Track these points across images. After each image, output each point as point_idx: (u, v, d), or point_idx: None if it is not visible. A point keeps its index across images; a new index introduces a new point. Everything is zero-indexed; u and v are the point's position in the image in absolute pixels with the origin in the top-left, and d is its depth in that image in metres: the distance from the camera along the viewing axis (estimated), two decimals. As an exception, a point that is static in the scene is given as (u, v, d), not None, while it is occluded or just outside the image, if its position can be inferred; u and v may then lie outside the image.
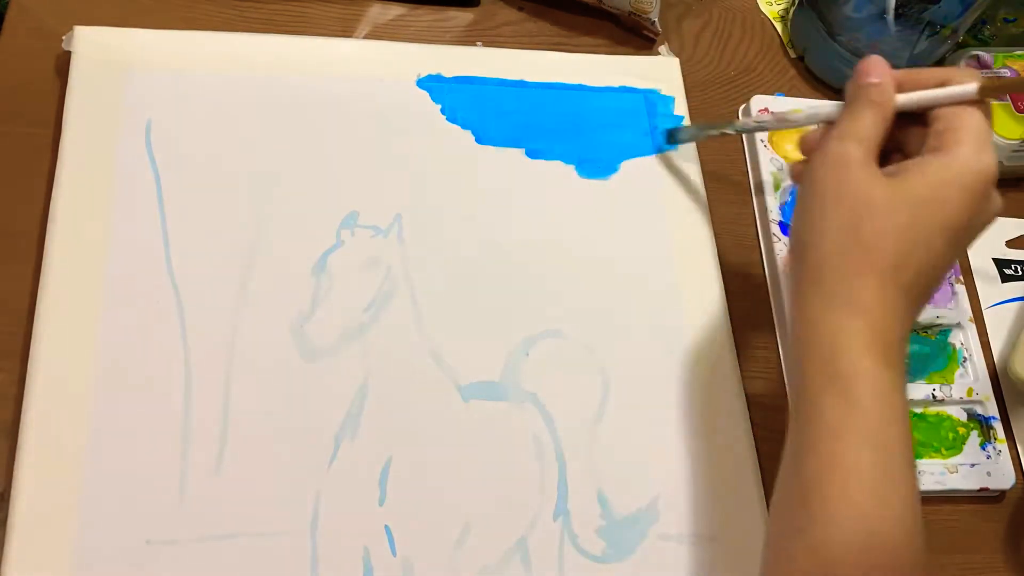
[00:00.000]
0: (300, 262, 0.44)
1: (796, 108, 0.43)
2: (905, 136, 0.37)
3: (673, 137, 0.51)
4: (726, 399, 0.46)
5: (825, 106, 0.40)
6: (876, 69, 0.37)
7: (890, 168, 0.35)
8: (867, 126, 0.35)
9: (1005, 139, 0.55)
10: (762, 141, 0.54)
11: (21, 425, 0.38)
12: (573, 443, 0.43)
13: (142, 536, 0.38)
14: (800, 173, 0.39)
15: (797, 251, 0.36)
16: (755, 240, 0.52)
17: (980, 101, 0.35)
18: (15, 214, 0.43)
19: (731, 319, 0.48)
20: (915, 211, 0.33)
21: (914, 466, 0.33)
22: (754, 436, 0.46)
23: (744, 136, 0.55)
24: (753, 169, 0.54)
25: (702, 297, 0.48)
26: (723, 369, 0.47)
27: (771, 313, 0.50)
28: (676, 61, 0.55)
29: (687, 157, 0.52)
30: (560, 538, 0.41)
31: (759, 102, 0.55)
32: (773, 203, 0.52)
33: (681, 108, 0.53)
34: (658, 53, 0.56)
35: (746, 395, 0.46)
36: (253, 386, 0.41)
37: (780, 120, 0.44)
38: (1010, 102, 0.56)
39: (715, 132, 0.49)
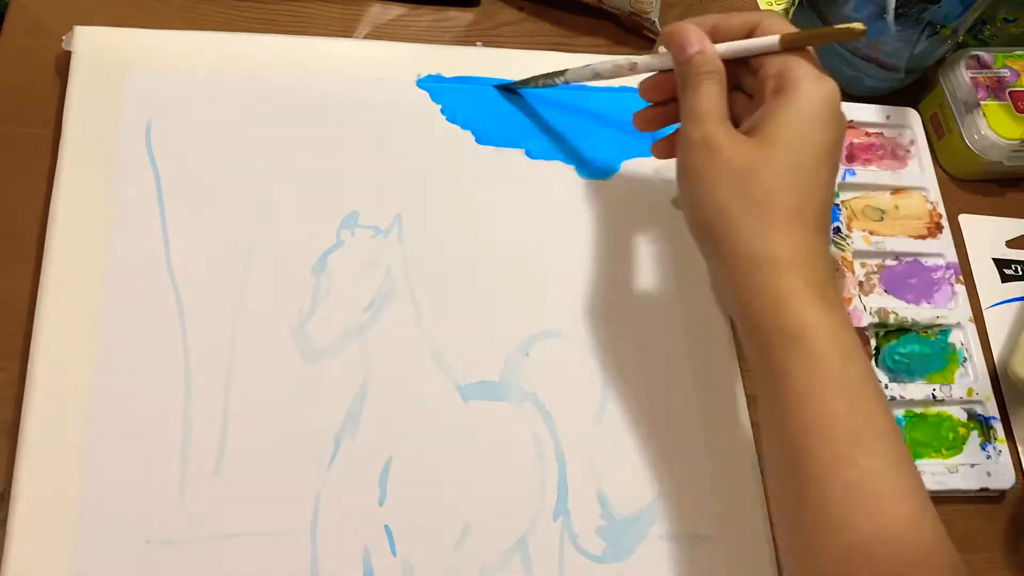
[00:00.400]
0: (300, 262, 0.44)
1: (630, 61, 0.43)
2: (737, 76, 0.39)
3: (510, 89, 0.51)
4: (726, 399, 0.46)
5: (655, 59, 0.41)
6: (691, 37, 0.38)
7: (746, 126, 0.37)
8: (711, 99, 0.37)
9: (1005, 139, 0.55)
10: None
11: (21, 425, 0.38)
12: (573, 443, 0.43)
13: (142, 536, 0.38)
14: (662, 151, 0.43)
15: (704, 237, 0.37)
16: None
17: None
18: (15, 214, 0.43)
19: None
20: (789, 154, 0.35)
21: (881, 392, 0.35)
22: (754, 436, 0.46)
23: None
24: None
25: (702, 297, 0.48)
26: (723, 369, 0.47)
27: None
28: (676, 60, 0.55)
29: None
30: (560, 538, 0.41)
31: None
32: None
33: (681, 108, 0.53)
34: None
35: (746, 395, 0.46)
36: (253, 386, 0.41)
37: (597, 73, 0.45)
38: (1010, 102, 0.56)
39: (551, 83, 0.49)
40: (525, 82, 0.50)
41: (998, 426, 0.49)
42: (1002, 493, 0.49)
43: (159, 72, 0.47)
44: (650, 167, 0.51)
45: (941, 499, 0.48)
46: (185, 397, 0.40)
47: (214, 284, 0.43)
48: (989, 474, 0.48)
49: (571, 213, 0.49)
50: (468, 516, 0.41)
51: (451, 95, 0.50)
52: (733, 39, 0.38)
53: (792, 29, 0.38)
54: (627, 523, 0.42)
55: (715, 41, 0.38)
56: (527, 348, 0.45)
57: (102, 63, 0.46)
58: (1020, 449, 0.50)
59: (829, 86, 0.36)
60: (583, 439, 0.44)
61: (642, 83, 0.43)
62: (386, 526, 0.40)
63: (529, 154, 0.50)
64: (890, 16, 0.52)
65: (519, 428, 0.43)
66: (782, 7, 0.61)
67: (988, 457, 0.49)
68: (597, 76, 0.45)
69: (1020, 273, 0.56)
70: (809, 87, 0.36)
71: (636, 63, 0.43)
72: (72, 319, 0.40)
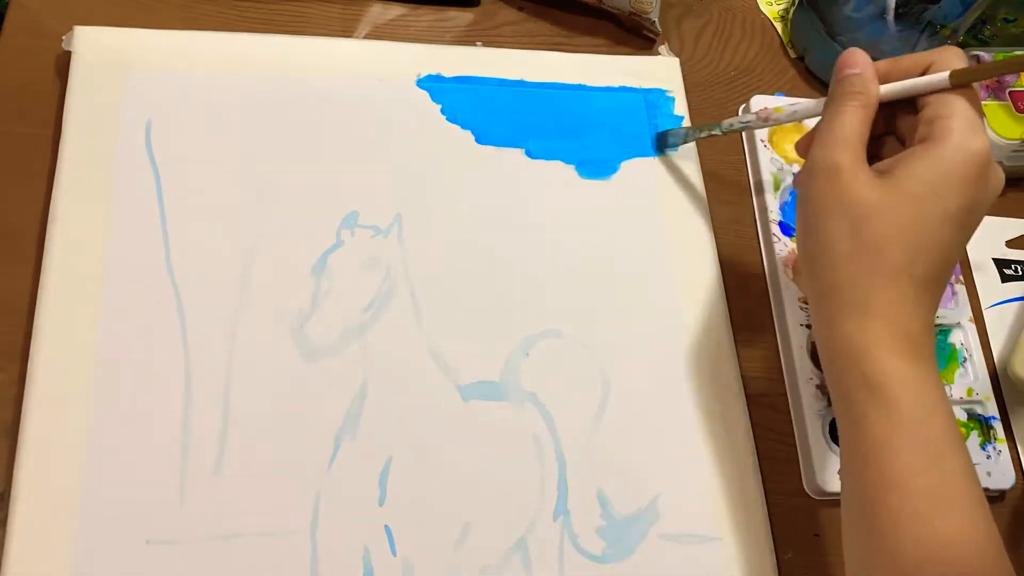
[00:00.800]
0: (300, 262, 0.44)
1: (778, 107, 0.43)
2: (897, 122, 0.38)
3: (663, 143, 0.51)
4: (726, 399, 0.46)
5: (806, 104, 0.41)
6: (856, 60, 0.37)
7: (883, 165, 0.35)
8: (850, 126, 0.35)
9: (1005, 139, 0.55)
10: (762, 141, 0.54)
11: (21, 426, 0.38)
12: (573, 443, 0.43)
13: (142, 536, 0.38)
14: (804, 148, 0.39)
15: (807, 267, 0.36)
16: (755, 240, 0.52)
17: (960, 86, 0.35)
18: (15, 214, 0.43)
19: (731, 319, 0.48)
20: (914, 207, 0.33)
21: (964, 451, 0.33)
22: (754, 436, 0.46)
23: (744, 136, 0.55)
24: (753, 169, 0.54)
25: (702, 297, 0.48)
26: (723, 369, 0.47)
27: (771, 313, 0.50)
28: (676, 61, 0.55)
29: (687, 157, 0.52)
30: (560, 538, 0.41)
31: (759, 102, 0.54)
32: (773, 203, 0.52)
33: (681, 108, 0.53)
34: (658, 53, 0.56)
35: (746, 395, 0.47)
36: (253, 386, 0.41)
37: (764, 119, 0.45)
38: (1010, 102, 0.56)
39: (703, 134, 0.49)
40: (674, 137, 0.50)
41: (998, 426, 0.49)
42: (1002, 493, 0.49)
43: (159, 72, 0.47)
44: (650, 167, 0.51)
45: None
46: (185, 396, 0.40)
47: (214, 284, 0.43)
48: (989, 474, 0.48)
49: (571, 213, 0.49)
50: (468, 516, 0.41)
51: (451, 95, 0.50)
52: (905, 78, 0.36)
53: (964, 62, 0.36)
54: (627, 523, 0.42)
55: (886, 81, 0.37)
56: (527, 348, 0.45)
57: (102, 63, 0.46)
58: (1020, 449, 0.50)
59: (977, 145, 0.34)
60: (583, 439, 0.44)
61: (799, 142, 0.41)
62: (386, 526, 0.40)
63: (529, 154, 0.50)
64: (890, 16, 0.52)
65: (519, 428, 0.43)
66: (782, 7, 0.61)
67: (988, 457, 0.49)
68: (765, 122, 0.45)
69: (1020, 273, 0.56)
70: (957, 141, 0.34)
71: (777, 112, 0.43)
72: (72, 320, 0.40)
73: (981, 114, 0.35)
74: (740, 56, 0.59)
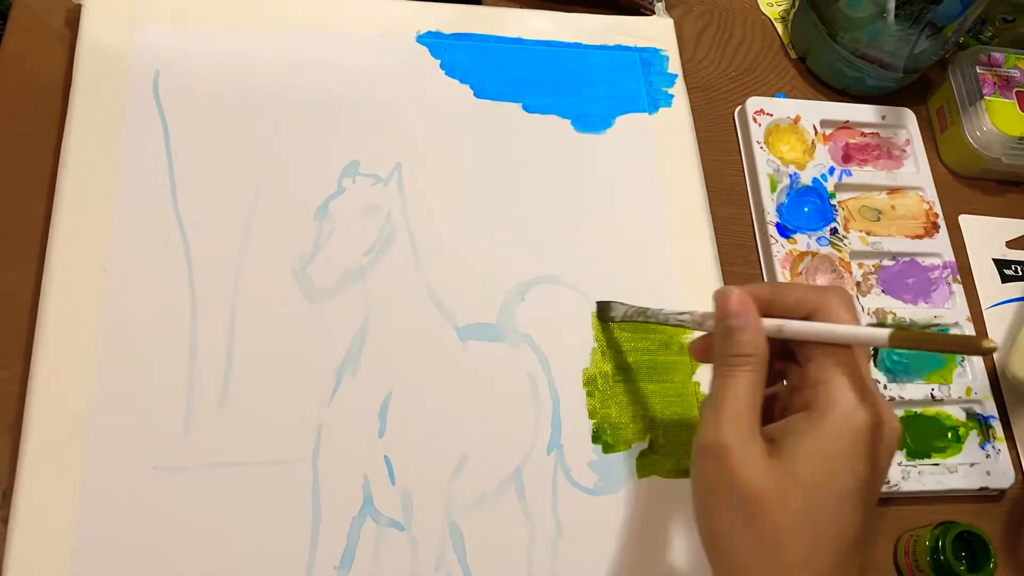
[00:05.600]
0: (303, 207, 0.45)
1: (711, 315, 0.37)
2: (782, 365, 0.35)
3: (605, 314, 0.46)
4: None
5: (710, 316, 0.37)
6: (737, 308, 0.34)
7: (771, 430, 0.33)
8: (740, 398, 0.33)
9: (1007, 134, 0.56)
10: (758, 142, 0.54)
11: (24, 423, 0.38)
12: (566, 382, 0.45)
13: (149, 463, 0.39)
14: (700, 352, 0.38)
15: (707, 551, 0.33)
16: (752, 240, 0.53)
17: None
18: (18, 214, 0.43)
19: None
20: (808, 494, 0.31)
21: None
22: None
23: (740, 137, 0.56)
24: (750, 170, 0.55)
25: (692, 242, 0.50)
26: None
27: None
28: (671, 21, 0.56)
29: (680, 113, 0.53)
30: (553, 470, 0.43)
31: (755, 104, 0.55)
32: (770, 204, 0.53)
33: (675, 66, 0.55)
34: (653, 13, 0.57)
35: None
36: (257, 324, 0.42)
37: (698, 323, 0.39)
38: (1015, 100, 0.57)
39: (640, 318, 0.44)
40: (614, 312, 0.46)
41: (997, 425, 0.50)
42: (1001, 492, 0.49)
43: (166, 24, 0.48)
44: (644, 122, 0.52)
45: (941, 499, 0.48)
46: (191, 334, 0.41)
47: (220, 227, 0.44)
48: (988, 473, 0.48)
49: (566, 165, 0.50)
50: (465, 448, 0.42)
51: (450, 51, 0.51)
52: (788, 316, 0.34)
53: (852, 313, 0.33)
54: (619, 457, 0.44)
55: (768, 315, 0.34)
56: (523, 292, 0.46)
57: (111, 15, 0.47)
58: (1019, 448, 0.50)
59: (865, 416, 0.31)
60: (577, 378, 0.45)
61: (692, 344, 0.39)
62: (385, 456, 0.41)
63: (526, 108, 0.51)
64: (890, 16, 0.53)
65: (515, 367, 0.44)
66: (782, 8, 0.62)
67: (987, 456, 0.49)
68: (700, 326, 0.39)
69: (1020, 273, 0.56)
70: (842, 415, 0.31)
71: (690, 318, 0.39)
72: (75, 301, 0.41)
73: (867, 371, 0.33)
74: (741, 57, 0.59)
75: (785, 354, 0.35)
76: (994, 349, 0.29)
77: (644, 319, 0.43)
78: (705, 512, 0.33)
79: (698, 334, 0.39)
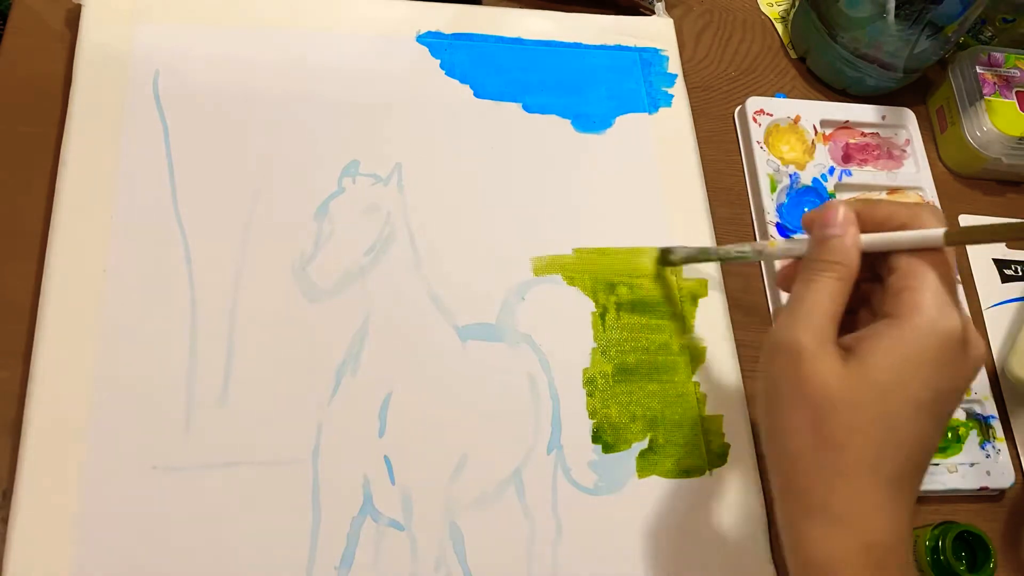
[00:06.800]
0: (303, 207, 0.45)
1: (772, 241, 0.40)
2: (868, 287, 0.34)
3: (667, 257, 0.48)
4: (718, 338, 0.47)
5: (803, 243, 0.36)
6: (837, 219, 0.33)
7: (849, 339, 0.32)
8: (821, 302, 0.32)
9: (1006, 134, 0.56)
10: (758, 143, 0.54)
11: (24, 423, 0.39)
12: (566, 382, 0.45)
13: (148, 462, 0.39)
14: (784, 278, 0.37)
15: (768, 452, 0.33)
16: (752, 240, 0.53)
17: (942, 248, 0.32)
18: (18, 214, 0.44)
19: (731, 319, 0.49)
20: (881, 399, 0.30)
21: None
22: (743, 376, 0.47)
23: (740, 137, 0.56)
24: (750, 170, 0.55)
25: (694, 244, 0.50)
26: (713, 304, 0.48)
27: (770, 314, 0.51)
28: (671, 21, 0.56)
29: (680, 114, 0.53)
30: (553, 470, 0.43)
31: (755, 104, 0.55)
32: (770, 204, 0.53)
33: (675, 66, 0.55)
34: (654, 13, 0.57)
35: (744, 392, 0.47)
36: (257, 325, 0.42)
37: (758, 252, 0.42)
38: (1015, 100, 0.57)
39: (702, 258, 0.46)
40: (675, 254, 0.47)
41: (997, 425, 0.50)
42: (1002, 492, 0.49)
43: (167, 24, 0.48)
44: (644, 122, 0.52)
45: (941, 499, 0.48)
46: (191, 334, 0.42)
47: (220, 227, 0.44)
48: (989, 473, 0.48)
49: (566, 165, 0.50)
50: (465, 448, 0.42)
51: (450, 51, 0.52)
52: (880, 231, 0.33)
53: (941, 225, 0.32)
54: (619, 457, 0.44)
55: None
56: (523, 292, 0.46)
57: (111, 15, 0.47)
58: (1019, 448, 0.50)
59: (949, 324, 0.30)
60: (577, 378, 0.45)
61: (780, 270, 0.38)
62: (385, 456, 0.41)
63: (526, 108, 0.51)
64: (890, 16, 0.53)
65: (515, 367, 0.44)
66: (782, 8, 0.62)
67: (987, 456, 0.49)
68: (760, 255, 0.43)
69: (1020, 273, 0.56)
70: (926, 320, 0.30)
71: (772, 246, 0.40)
72: (74, 311, 0.41)
73: (954, 284, 0.32)
74: (741, 57, 0.59)
75: (871, 279, 0.34)
76: None
77: (705, 257, 0.46)
78: (770, 411, 0.32)
79: (781, 264, 0.38)
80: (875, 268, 0.33)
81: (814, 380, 0.30)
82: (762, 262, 0.51)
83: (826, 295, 0.32)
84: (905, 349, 0.30)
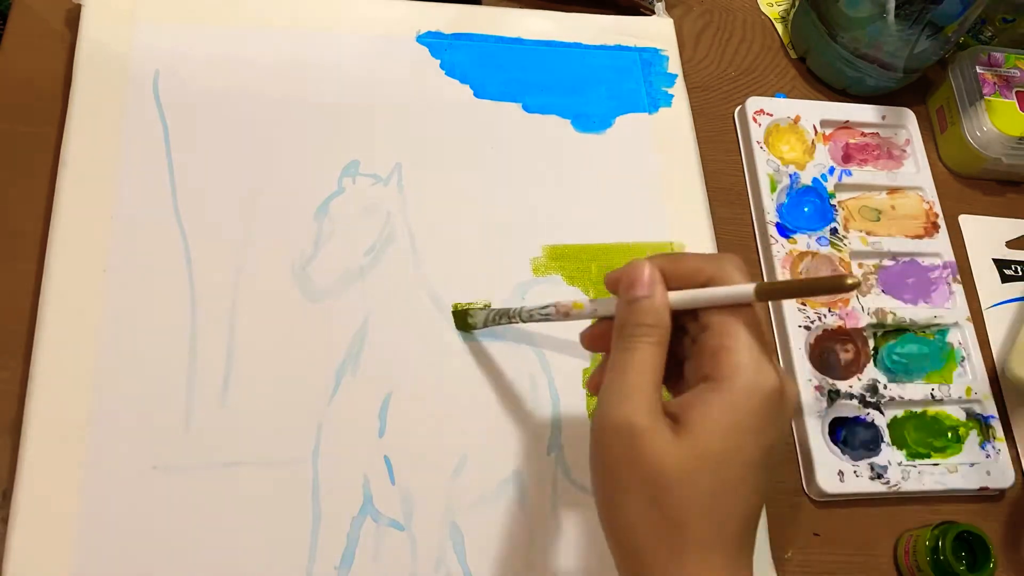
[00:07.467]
0: (303, 207, 0.45)
1: (577, 303, 0.37)
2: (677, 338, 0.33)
3: (465, 321, 0.44)
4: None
5: (608, 303, 0.35)
6: (644, 278, 0.32)
7: (673, 407, 0.31)
8: (644, 372, 0.31)
9: (1007, 134, 0.56)
10: (758, 143, 0.54)
11: (24, 423, 0.39)
12: (567, 383, 0.45)
13: (148, 462, 0.39)
14: (592, 339, 0.36)
15: (607, 535, 0.32)
16: (753, 240, 0.53)
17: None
18: (18, 214, 0.44)
19: None
20: (717, 469, 0.30)
21: None
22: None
23: (740, 138, 0.56)
24: (750, 170, 0.55)
25: (692, 246, 0.49)
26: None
27: (769, 314, 0.51)
28: (671, 21, 0.56)
29: (680, 114, 0.53)
30: (553, 470, 0.43)
31: (755, 104, 0.55)
32: (770, 204, 0.53)
33: (675, 66, 0.55)
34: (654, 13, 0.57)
35: None
36: (257, 324, 0.42)
37: (563, 314, 0.38)
38: (1015, 100, 0.57)
39: (503, 321, 0.42)
40: (474, 318, 0.44)
41: (997, 425, 0.50)
42: (1002, 492, 0.49)
43: (167, 24, 0.48)
44: (644, 122, 0.52)
45: (941, 499, 0.48)
46: (191, 333, 0.42)
47: (220, 227, 0.44)
48: (989, 473, 0.48)
49: (566, 165, 0.50)
50: (465, 449, 0.42)
51: (450, 51, 0.52)
52: (686, 286, 0.32)
53: (745, 277, 0.32)
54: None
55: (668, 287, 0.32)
56: (523, 292, 0.46)
57: (111, 15, 0.47)
58: (1019, 448, 0.50)
59: (770, 381, 0.30)
60: (577, 378, 0.45)
61: (583, 333, 0.37)
62: (385, 456, 0.41)
63: (526, 108, 0.51)
64: (890, 16, 0.53)
65: (515, 368, 0.44)
66: (782, 8, 0.62)
67: (987, 456, 0.49)
68: (566, 317, 0.38)
69: (1020, 273, 0.56)
70: (746, 383, 0.30)
71: (576, 308, 0.37)
72: (74, 309, 0.41)
73: (764, 336, 0.32)
74: (741, 57, 0.59)
75: (676, 329, 0.33)
76: (858, 284, 0.28)
77: (507, 320, 0.41)
78: (607, 493, 0.31)
79: (583, 324, 0.37)
80: (680, 320, 0.33)
81: (651, 459, 0.30)
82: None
83: (648, 364, 0.31)
84: (734, 416, 0.30)
